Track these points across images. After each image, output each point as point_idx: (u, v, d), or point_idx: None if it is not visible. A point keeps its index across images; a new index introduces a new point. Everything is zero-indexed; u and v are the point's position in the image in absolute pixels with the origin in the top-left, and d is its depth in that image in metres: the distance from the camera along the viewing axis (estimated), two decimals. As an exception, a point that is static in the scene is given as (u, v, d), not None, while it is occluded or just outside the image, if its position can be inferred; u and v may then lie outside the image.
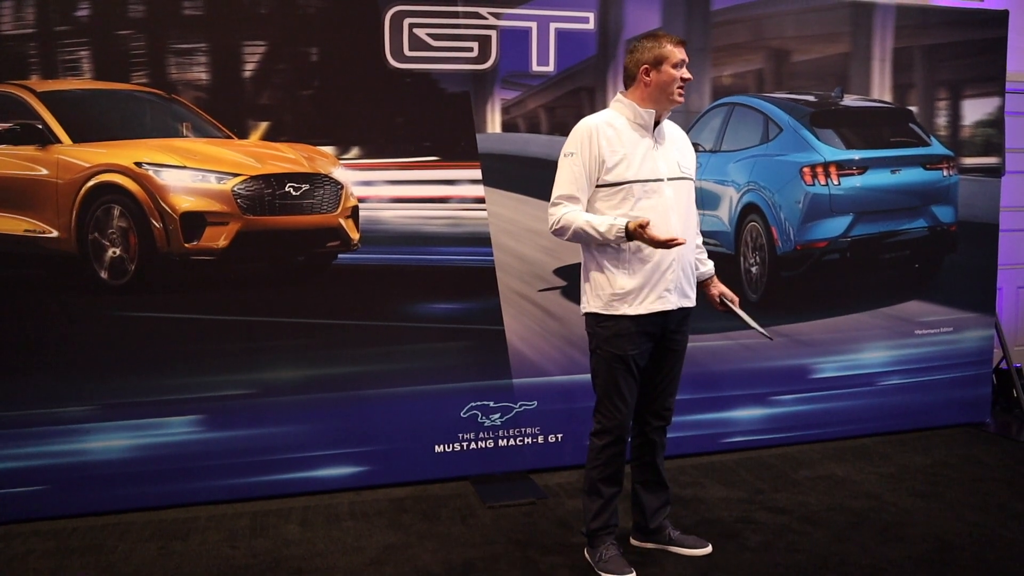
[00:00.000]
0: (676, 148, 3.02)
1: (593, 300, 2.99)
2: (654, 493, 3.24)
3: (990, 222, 4.80)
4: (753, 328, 3.09)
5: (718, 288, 3.22)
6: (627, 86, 2.99)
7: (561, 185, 2.93)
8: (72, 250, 3.60)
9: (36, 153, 3.58)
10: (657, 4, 4.13)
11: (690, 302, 3.05)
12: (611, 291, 2.93)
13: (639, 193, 2.88)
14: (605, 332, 2.96)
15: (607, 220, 2.83)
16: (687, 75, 2.92)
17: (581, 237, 2.89)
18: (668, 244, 2.75)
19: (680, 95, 2.93)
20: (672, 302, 2.96)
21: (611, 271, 2.93)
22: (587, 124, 2.94)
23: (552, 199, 2.93)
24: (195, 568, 3.16)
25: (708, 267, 3.23)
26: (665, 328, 3.00)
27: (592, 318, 3.01)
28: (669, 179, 2.93)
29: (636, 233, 2.76)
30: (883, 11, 4.50)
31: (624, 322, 2.93)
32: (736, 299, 3.20)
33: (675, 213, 2.93)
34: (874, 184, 4.49)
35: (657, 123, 2.97)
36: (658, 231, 2.77)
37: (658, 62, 2.90)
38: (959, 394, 4.84)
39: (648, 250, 2.89)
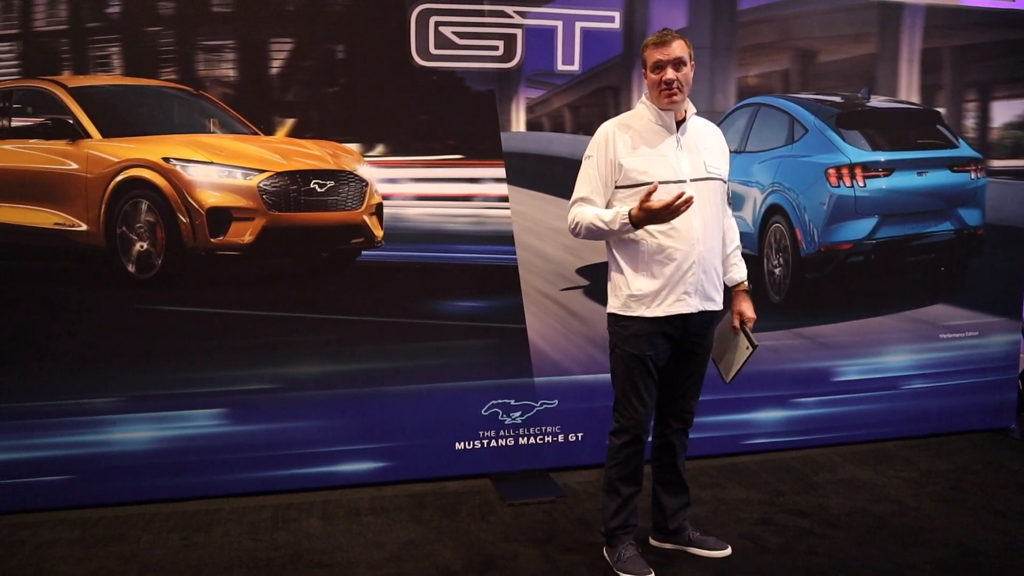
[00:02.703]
0: (704, 148, 2.97)
1: (612, 300, 3.00)
2: (674, 494, 3.23)
3: (1018, 225, 4.73)
4: (736, 360, 3.12)
5: (739, 305, 3.15)
6: None
7: (578, 187, 2.98)
8: (100, 244, 3.64)
9: (67, 148, 3.63)
10: (683, 3, 4.12)
11: (715, 305, 3.01)
12: (629, 292, 2.93)
13: (660, 194, 2.86)
14: (623, 332, 2.96)
15: (613, 210, 2.86)
16: (667, 76, 2.82)
17: (593, 232, 2.91)
18: (675, 207, 2.70)
19: (667, 97, 2.85)
20: (692, 305, 2.93)
21: (630, 272, 2.93)
22: (605, 128, 2.96)
23: (570, 201, 2.98)
24: (217, 559, 3.20)
25: (735, 274, 3.16)
26: (686, 330, 2.97)
27: (612, 318, 3.01)
28: (692, 180, 2.90)
29: (639, 218, 2.76)
30: (912, 11, 4.46)
31: (641, 323, 2.93)
32: (752, 320, 3.13)
33: (698, 216, 2.88)
34: (900, 186, 4.45)
35: (682, 122, 2.95)
36: (658, 199, 2.73)
37: (644, 66, 2.92)
38: (983, 399, 4.79)
39: (668, 251, 2.87)
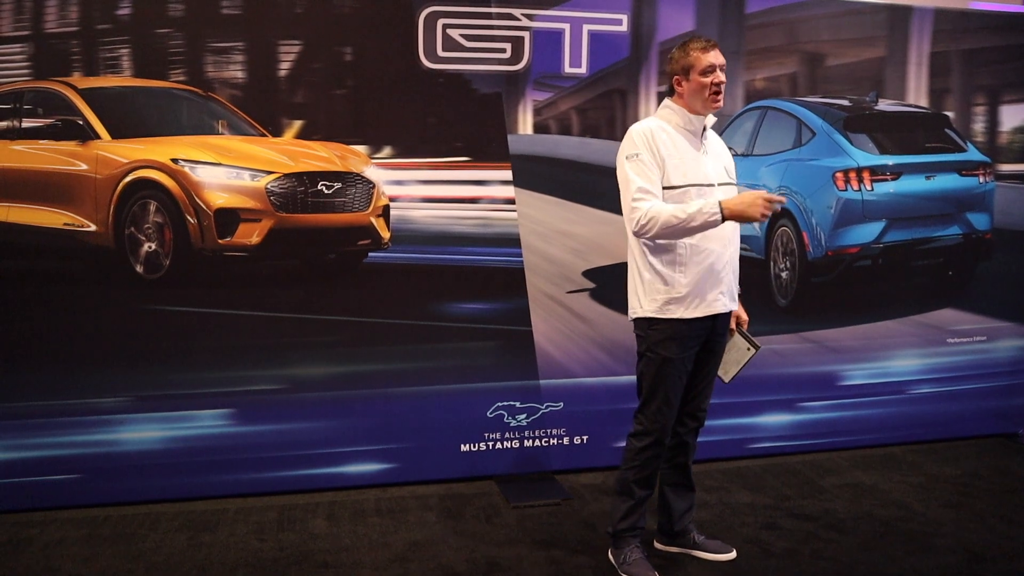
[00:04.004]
0: (718, 155, 3.04)
1: (647, 304, 2.95)
2: (682, 496, 3.24)
3: (1027, 230, 4.73)
4: (737, 361, 3.17)
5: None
6: (671, 95, 3.00)
7: (636, 181, 2.85)
8: (109, 244, 3.66)
9: (76, 148, 3.65)
10: (691, 6, 4.12)
11: (736, 305, 3.09)
12: (667, 296, 2.92)
13: (695, 197, 2.87)
14: (657, 335, 2.95)
15: (696, 203, 2.79)
16: (719, 78, 2.87)
17: (671, 227, 2.79)
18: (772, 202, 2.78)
19: (716, 100, 2.89)
20: (725, 304, 2.99)
21: (669, 274, 2.91)
22: (642, 127, 2.93)
23: (632, 197, 2.84)
24: (223, 559, 3.21)
25: None
26: (713, 330, 3.02)
27: (644, 322, 2.98)
28: (719, 184, 2.94)
29: (736, 207, 2.75)
30: (920, 15, 4.45)
31: (677, 325, 2.93)
32: (746, 322, 3.20)
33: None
34: (908, 190, 4.44)
35: (703, 129, 2.97)
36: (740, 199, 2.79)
37: (686, 71, 2.90)
38: (991, 404, 4.77)
39: (705, 252, 2.89)
